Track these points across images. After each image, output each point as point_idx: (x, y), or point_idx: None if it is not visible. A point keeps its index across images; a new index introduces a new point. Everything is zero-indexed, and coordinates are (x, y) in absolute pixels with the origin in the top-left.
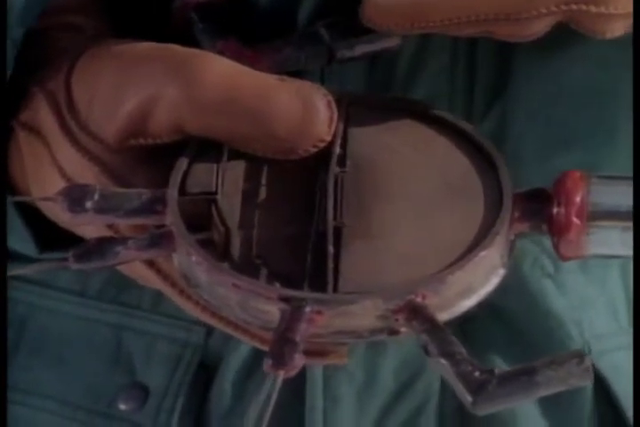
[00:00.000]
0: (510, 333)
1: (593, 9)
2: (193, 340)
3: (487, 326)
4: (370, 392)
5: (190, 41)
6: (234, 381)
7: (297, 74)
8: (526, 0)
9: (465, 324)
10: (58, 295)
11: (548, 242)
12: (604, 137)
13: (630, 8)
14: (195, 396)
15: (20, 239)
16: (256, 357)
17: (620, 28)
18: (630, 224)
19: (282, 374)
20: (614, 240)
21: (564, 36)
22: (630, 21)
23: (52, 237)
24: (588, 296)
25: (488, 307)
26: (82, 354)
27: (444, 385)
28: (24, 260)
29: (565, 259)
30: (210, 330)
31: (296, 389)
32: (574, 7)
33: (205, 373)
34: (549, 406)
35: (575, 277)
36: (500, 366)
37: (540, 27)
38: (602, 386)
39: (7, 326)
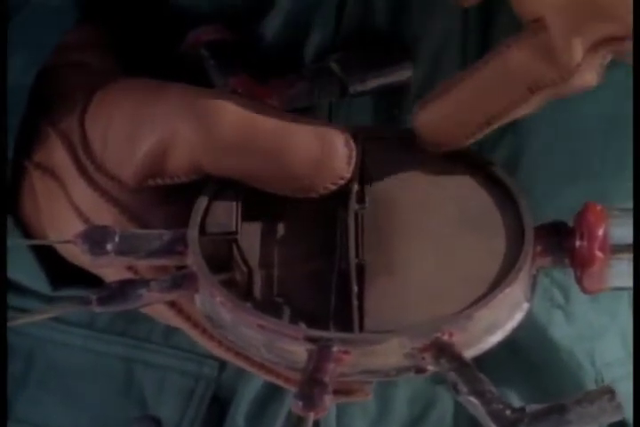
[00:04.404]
0: (523, 365)
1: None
2: (206, 373)
3: (500, 359)
4: (383, 425)
5: (198, 78)
6: (247, 414)
7: (306, 106)
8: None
9: (478, 357)
10: (67, 328)
11: (557, 273)
12: (613, 168)
13: None
14: None
15: (33, 278)
16: (269, 390)
17: None
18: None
19: (312, 416)
20: (626, 272)
21: None
22: None
23: (61, 270)
24: (599, 326)
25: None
26: (91, 387)
27: (457, 416)
28: (36, 296)
29: (588, 292)
30: (223, 363)
31: None
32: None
33: (219, 406)
34: None
35: (585, 308)
36: (514, 398)
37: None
38: None
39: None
